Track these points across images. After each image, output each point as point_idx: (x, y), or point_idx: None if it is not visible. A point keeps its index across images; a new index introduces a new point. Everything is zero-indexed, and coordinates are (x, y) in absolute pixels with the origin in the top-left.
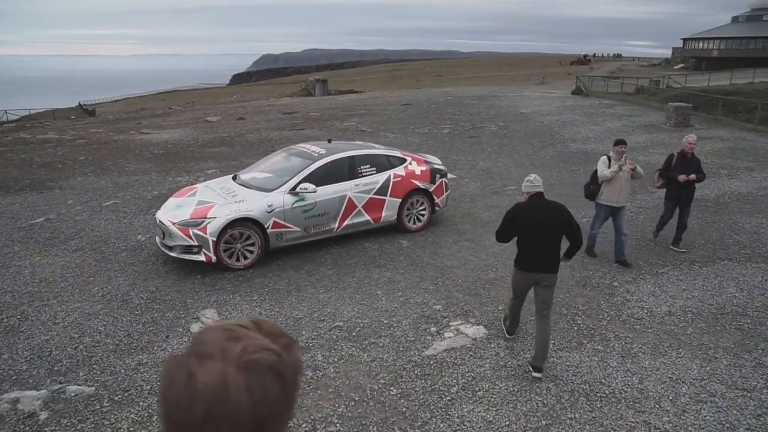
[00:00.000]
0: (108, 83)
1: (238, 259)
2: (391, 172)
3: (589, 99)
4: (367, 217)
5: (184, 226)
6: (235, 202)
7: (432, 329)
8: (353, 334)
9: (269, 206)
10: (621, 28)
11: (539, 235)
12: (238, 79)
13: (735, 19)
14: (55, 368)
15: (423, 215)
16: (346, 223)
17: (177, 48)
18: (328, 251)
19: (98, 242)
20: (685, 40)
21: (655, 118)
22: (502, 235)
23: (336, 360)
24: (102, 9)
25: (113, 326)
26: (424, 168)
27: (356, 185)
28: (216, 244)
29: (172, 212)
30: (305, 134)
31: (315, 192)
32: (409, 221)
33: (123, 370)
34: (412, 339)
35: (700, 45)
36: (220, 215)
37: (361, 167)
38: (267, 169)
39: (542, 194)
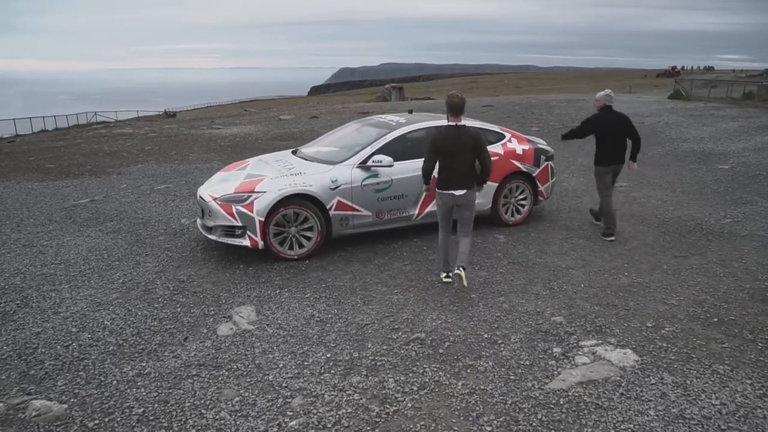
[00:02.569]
0: (190, 94)
1: (291, 247)
2: None
3: (692, 102)
4: None
5: (226, 202)
6: (291, 174)
7: (555, 350)
8: (440, 351)
9: (333, 181)
10: (710, 41)
11: (611, 135)
12: (317, 90)
13: None
14: (31, 372)
15: (523, 205)
16: (428, 209)
17: (256, 61)
18: (405, 243)
19: (137, 224)
20: None
21: None
22: (577, 134)
23: (416, 389)
24: (189, 24)
25: (123, 320)
26: (526, 147)
27: None
28: (264, 225)
29: (215, 186)
30: None
31: (391, 167)
32: (506, 212)
33: (115, 382)
34: (528, 363)
35: None
36: (271, 189)
37: None
38: (335, 142)
39: (612, 107)
